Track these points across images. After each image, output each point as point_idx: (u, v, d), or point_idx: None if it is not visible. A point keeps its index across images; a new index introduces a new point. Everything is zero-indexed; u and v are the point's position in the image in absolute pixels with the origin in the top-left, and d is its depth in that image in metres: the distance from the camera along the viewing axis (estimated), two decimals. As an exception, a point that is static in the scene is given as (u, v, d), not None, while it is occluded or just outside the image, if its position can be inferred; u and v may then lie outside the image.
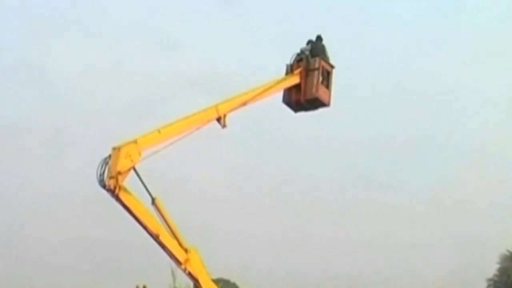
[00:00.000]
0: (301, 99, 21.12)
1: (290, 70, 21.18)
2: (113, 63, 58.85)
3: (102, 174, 16.55)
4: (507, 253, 46.15)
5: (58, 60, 59.50)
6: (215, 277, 19.54)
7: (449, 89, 58.55)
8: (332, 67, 21.43)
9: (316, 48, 21.38)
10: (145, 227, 16.71)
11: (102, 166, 16.61)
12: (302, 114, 21.49)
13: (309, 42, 21.56)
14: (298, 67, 21.12)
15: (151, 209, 16.82)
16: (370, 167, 54.35)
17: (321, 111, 21.53)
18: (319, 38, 21.57)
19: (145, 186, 16.79)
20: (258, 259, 44.47)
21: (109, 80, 57.39)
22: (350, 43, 54.00)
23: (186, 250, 17.03)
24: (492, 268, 45.70)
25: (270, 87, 20.32)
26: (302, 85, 21.09)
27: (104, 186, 16.49)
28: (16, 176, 50.74)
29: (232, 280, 42.00)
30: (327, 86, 21.29)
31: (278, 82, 20.67)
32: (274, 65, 22.10)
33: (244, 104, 19.54)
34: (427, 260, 46.44)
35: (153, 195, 16.80)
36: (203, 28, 60.93)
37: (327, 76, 21.32)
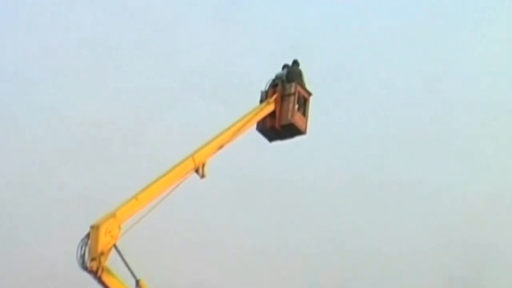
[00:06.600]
0: (276, 125, 20.31)
1: (265, 96, 20.12)
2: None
3: (83, 256, 15.63)
4: None
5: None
6: None
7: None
8: (309, 94, 20.45)
9: (292, 72, 20.23)
10: (129, 311, 16.16)
11: (82, 247, 15.68)
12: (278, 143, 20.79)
13: (285, 66, 20.47)
14: (274, 93, 20.17)
15: (135, 290, 16.19)
16: (371, 166, 53.17)
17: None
18: (295, 62, 20.40)
19: (128, 267, 16.00)
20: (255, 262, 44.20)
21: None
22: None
23: (173, 333, 16.65)
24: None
25: (246, 122, 19.38)
26: (277, 111, 20.05)
27: (85, 268, 15.72)
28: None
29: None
30: (304, 113, 20.45)
31: (254, 114, 19.57)
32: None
33: (221, 147, 18.59)
34: (428, 263, 46.56)
35: (137, 277, 16.11)
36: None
37: (303, 103, 20.29)
